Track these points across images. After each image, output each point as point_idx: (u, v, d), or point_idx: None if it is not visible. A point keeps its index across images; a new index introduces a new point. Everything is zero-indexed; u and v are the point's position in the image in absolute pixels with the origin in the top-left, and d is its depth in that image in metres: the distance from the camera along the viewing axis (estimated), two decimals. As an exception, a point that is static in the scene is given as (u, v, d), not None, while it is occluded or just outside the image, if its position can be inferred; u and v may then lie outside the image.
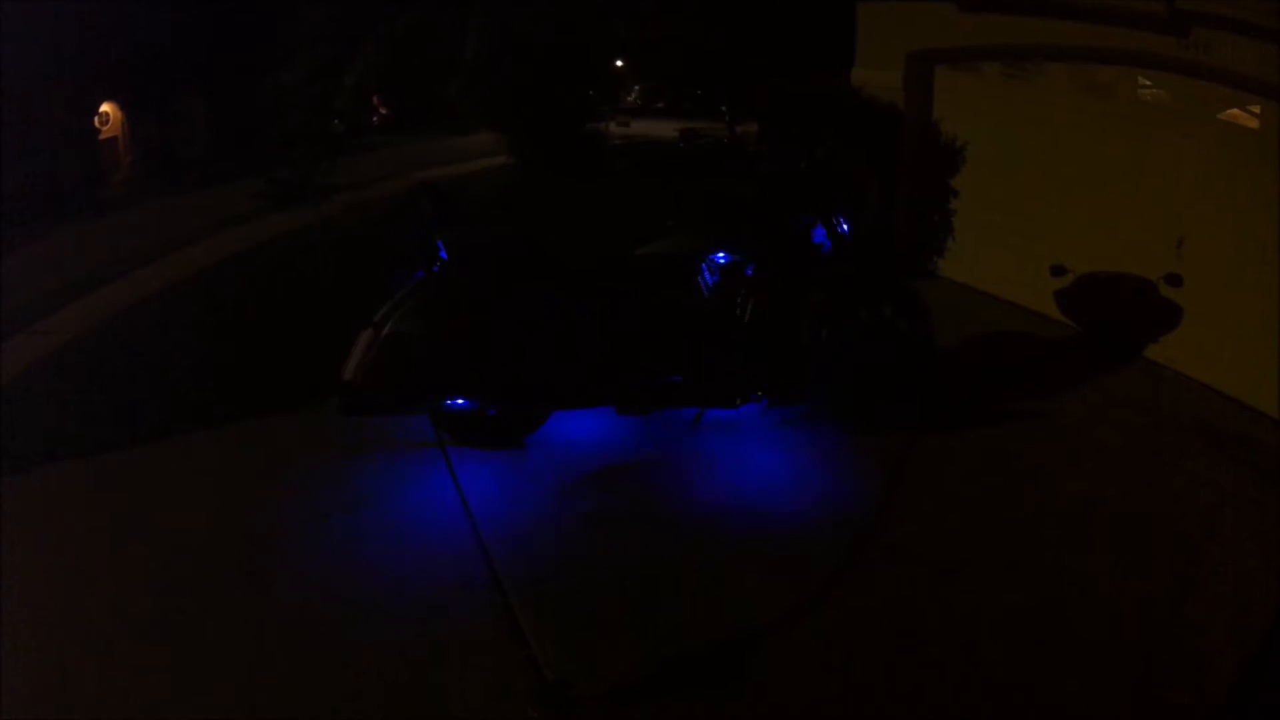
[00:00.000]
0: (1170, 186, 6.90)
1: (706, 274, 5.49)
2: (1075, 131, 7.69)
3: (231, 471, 5.31)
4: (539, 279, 5.32)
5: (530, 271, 5.36)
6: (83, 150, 17.49)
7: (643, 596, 4.16)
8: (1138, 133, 7.21)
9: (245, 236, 11.69)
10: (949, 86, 9.01)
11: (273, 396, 6.19)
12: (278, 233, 11.68)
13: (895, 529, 4.74)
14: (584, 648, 3.80)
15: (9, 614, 3.95)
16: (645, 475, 5.30)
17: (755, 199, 5.69)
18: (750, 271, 5.52)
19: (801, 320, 5.63)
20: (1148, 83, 7.42)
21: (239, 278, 9.68)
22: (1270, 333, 5.92)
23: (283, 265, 9.84)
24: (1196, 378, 6.69)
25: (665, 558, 4.47)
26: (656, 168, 13.61)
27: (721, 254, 5.49)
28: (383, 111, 25.76)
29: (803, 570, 4.34)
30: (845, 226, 5.72)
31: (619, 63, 23.54)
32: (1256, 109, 6.42)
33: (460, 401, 5.22)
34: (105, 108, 18.55)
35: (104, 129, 18.63)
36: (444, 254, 5.22)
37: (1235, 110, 6.67)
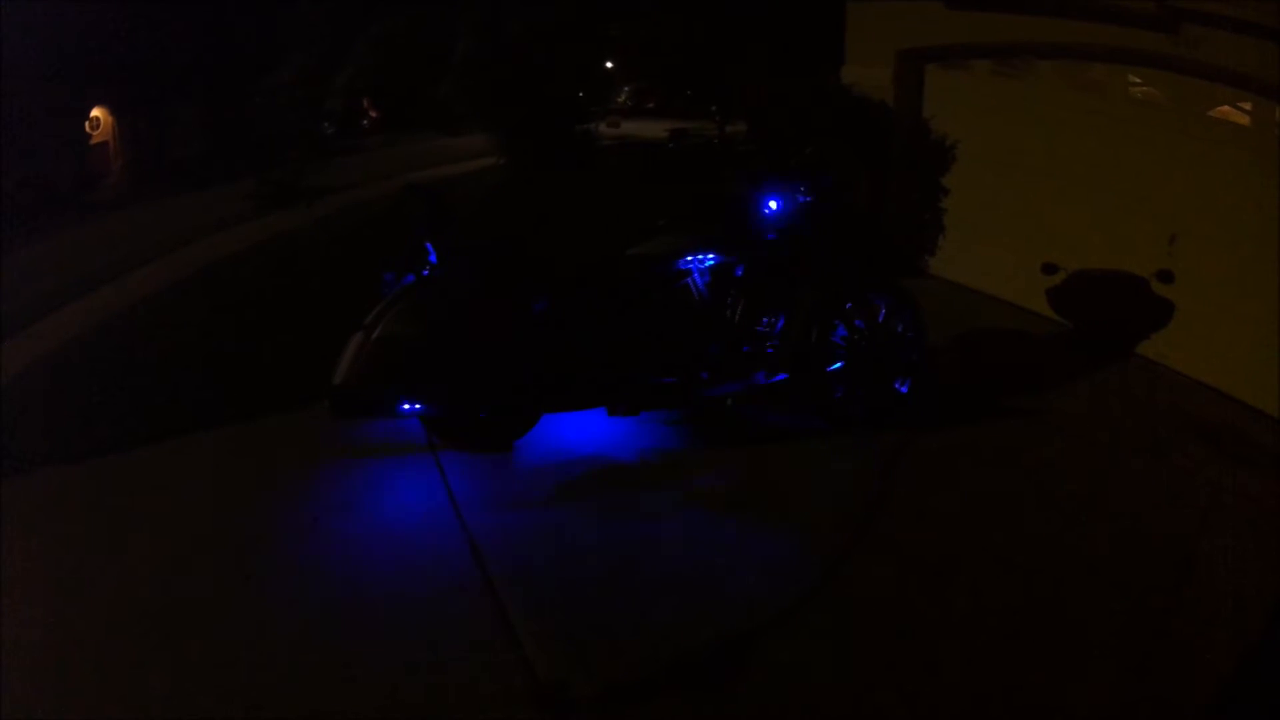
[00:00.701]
0: (1161, 183, 6.90)
1: (697, 275, 5.49)
2: (1066, 129, 7.69)
3: (226, 473, 5.31)
4: (529, 281, 5.31)
5: (520, 274, 5.36)
6: (74, 154, 17.45)
7: (637, 597, 4.14)
8: (1128, 130, 7.22)
9: (236, 239, 11.66)
10: (939, 84, 9.01)
11: (265, 399, 6.17)
12: (268, 235, 11.67)
13: (889, 528, 4.73)
14: (578, 649, 3.78)
15: (9, 614, 3.95)
16: (637, 476, 5.28)
17: (744, 199, 5.68)
18: (740, 272, 5.51)
19: (792, 320, 5.63)
20: (1138, 80, 7.43)
21: (230, 281, 9.66)
22: (1263, 328, 5.92)
23: (274, 268, 9.83)
24: (1189, 374, 6.69)
25: (659, 558, 4.46)
26: (647, 168, 13.61)
27: (711, 255, 5.49)
28: (373, 113, 25.72)
29: (798, 570, 4.34)
30: (835, 225, 5.71)
31: (609, 64, 23.53)
32: (1248, 106, 6.43)
33: (450, 404, 5.20)
34: (96, 112, 18.51)
35: (95, 134, 18.60)
36: (434, 257, 5.22)
37: (1226, 107, 6.68)
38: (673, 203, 6.00)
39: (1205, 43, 6.38)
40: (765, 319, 5.63)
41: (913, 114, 9.14)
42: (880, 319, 5.73)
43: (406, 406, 5.14)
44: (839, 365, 5.67)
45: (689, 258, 5.46)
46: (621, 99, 29.07)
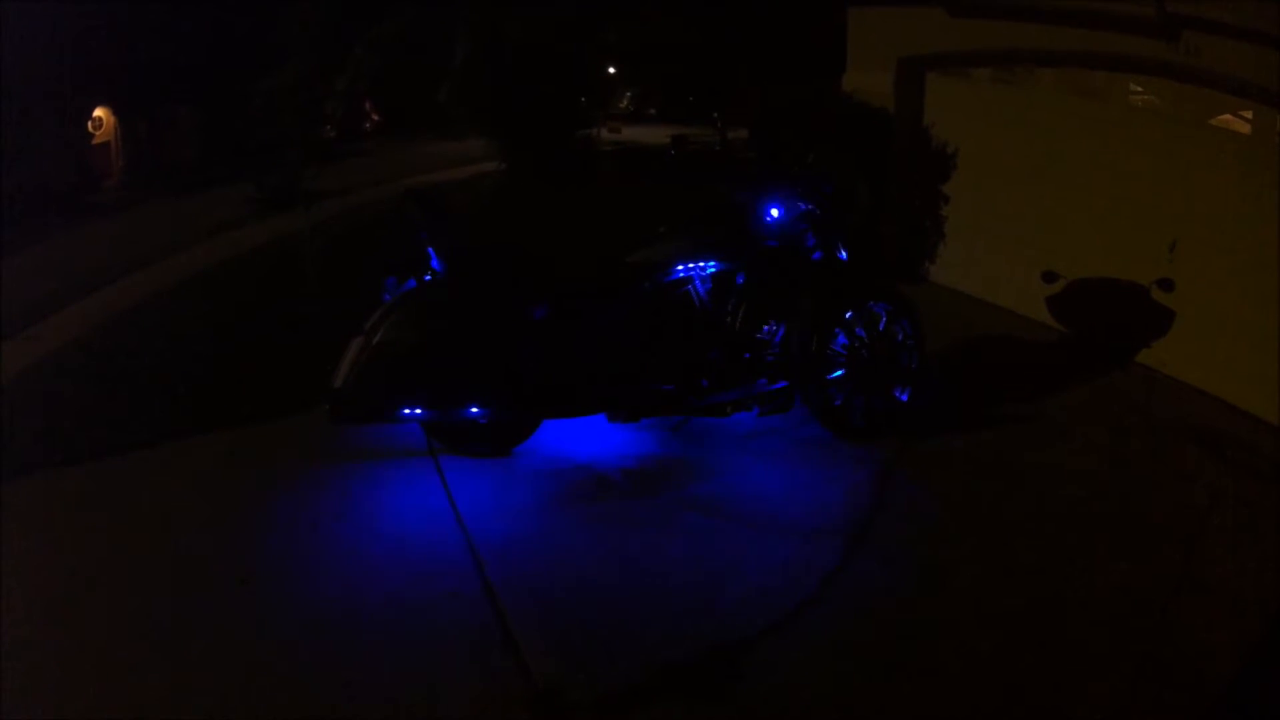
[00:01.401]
0: (1162, 191, 6.91)
1: (697, 281, 5.49)
2: (1066, 136, 7.70)
3: (224, 477, 5.31)
4: (530, 287, 5.31)
5: (521, 279, 5.36)
6: (74, 155, 17.43)
7: (635, 603, 4.15)
8: (1129, 137, 7.23)
9: (236, 242, 11.66)
10: (940, 92, 9.02)
11: (265, 403, 6.16)
12: (268, 239, 11.64)
13: (888, 533, 4.74)
14: (575, 655, 3.78)
15: (8, 614, 3.95)
16: (636, 483, 5.28)
17: (746, 206, 5.68)
18: (741, 279, 5.51)
19: (792, 327, 5.63)
20: (1139, 88, 7.44)
21: (230, 284, 9.65)
22: (1264, 337, 5.93)
23: (274, 271, 9.80)
24: (1189, 382, 6.69)
25: (657, 564, 4.47)
26: (648, 174, 13.60)
27: (712, 261, 5.49)
28: (374, 117, 25.71)
29: (796, 575, 4.34)
30: (836, 233, 5.72)
31: (611, 69, 23.53)
32: (1248, 114, 6.44)
33: (450, 410, 5.20)
34: (99, 112, 18.49)
35: (97, 134, 18.57)
36: (435, 262, 5.22)
37: (1227, 115, 6.69)
38: (674, 209, 6.00)
39: (1206, 50, 6.39)
40: (766, 326, 5.63)
41: (913, 121, 9.15)
42: (880, 327, 5.73)
43: (406, 411, 5.14)
44: (839, 373, 5.67)
45: (690, 264, 5.47)
46: (623, 104, 29.07)
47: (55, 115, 16.23)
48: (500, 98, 14.45)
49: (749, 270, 5.51)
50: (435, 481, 5.21)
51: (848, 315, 5.66)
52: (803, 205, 5.69)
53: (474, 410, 5.20)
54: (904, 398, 5.83)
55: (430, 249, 5.23)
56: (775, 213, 5.66)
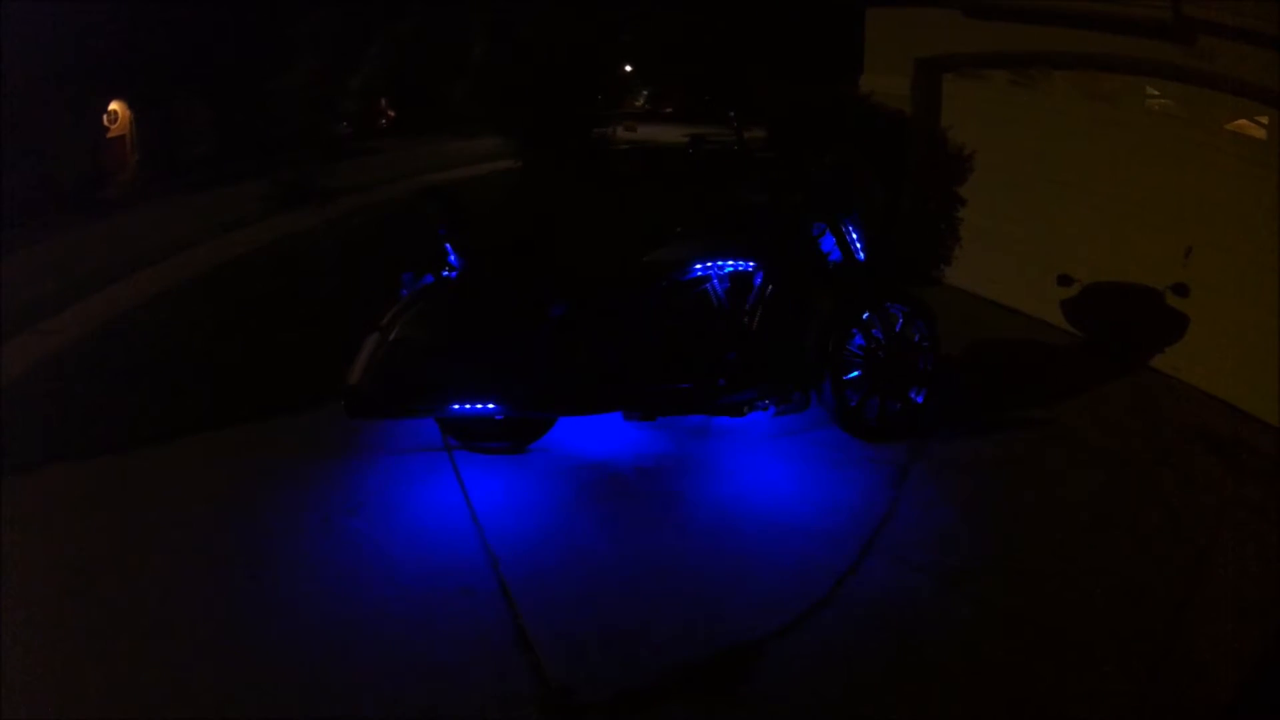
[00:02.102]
0: (1177, 196, 6.89)
1: (715, 281, 5.49)
2: (1082, 140, 7.68)
3: (234, 473, 5.30)
4: (547, 285, 5.32)
5: (538, 277, 5.37)
6: (88, 149, 17.46)
7: (648, 602, 4.16)
8: (1145, 141, 7.21)
9: (249, 239, 11.66)
10: (956, 94, 9.01)
11: (277, 399, 6.17)
12: (282, 235, 11.66)
13: (899, 535, 4.75)
14: (588, 654, 3.80)
15: (9, 614, 3.96)
16: (651, 482, 5.29)
17: (763, 206, 5.69)
18: (759, 279, 5.51)
19: (809, 327, 5.63)
20: (1155, 92, 7.42)
21: (243, 280, 9.65)
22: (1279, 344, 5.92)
23: (287, 268, 9.82)
24: (1203, 388, 6.68)
25: (671, 564, 4.48)
26: (664, 174, 13.60)
27: (730, 262, 5.49)
28: (389, 114, 25.76)
29: (807, 577, 4.35)
30: (853, 234, 5.72)
31: (627, 67, 23.55)
32: (1264, 119, 6.41)
33: (466, 406, 5.21)
34: (114, 106, 18.53)
35: (112, 128, 18.60)
36: (452, 259, 5.24)
37: (1243, 120, 6.66)
38: (691, 209, 6.00)
39: (1221, 54, 6.37)
40: (782, 326, 5.63)
41: (930, 123, 9.14)
42: (897, 328, 5.74)
43: (421, 407, 5.16)
44: (856, 374, 5.68)
45: (707, 264, 5.47)
46: (639, 103, 29.07)
47: (70, 109, 16.25)
48: (516, 96, 14.47)
49: (767, 270, 5.51)
50: (450, 478, 5.22)
51: (865, 316, 5.66)
52: (820, 206, 5.68)
53: (489, 407, 5.21)
54: (919, 399, 5.83)
55: (447, 245, 5.24)
56: (793, 213, 5.66)
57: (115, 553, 4.49)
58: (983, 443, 5.81)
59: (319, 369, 5.63)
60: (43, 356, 7.15)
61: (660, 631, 3.95)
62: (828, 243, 5.73)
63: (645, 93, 29.48)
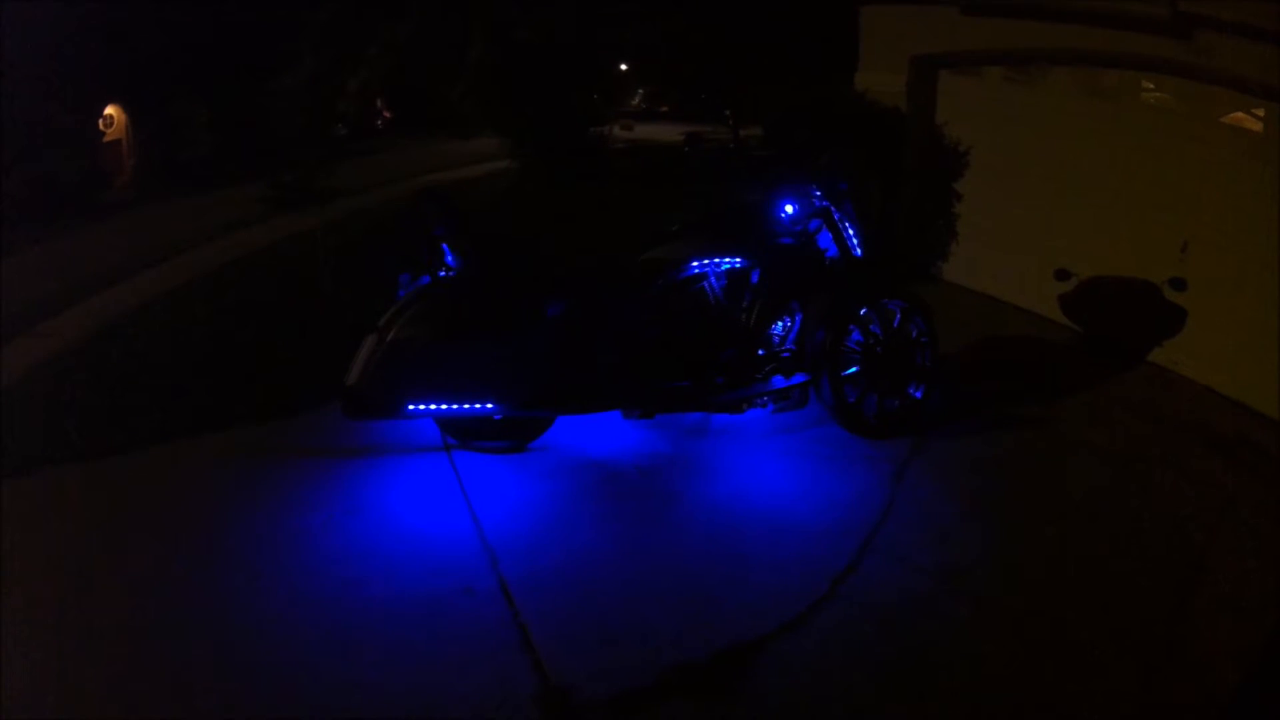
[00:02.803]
0: (1174, 190, 6.90)
1: (712, 278, 5.49)
2: (1079, 135, 7.69)
3: (234, 474, 5.30)
4: (544, 284, 5.32)
5: (535, 277, 5.37)
6: (85, 152, 17.43)
7: (648, 601, 4.15)
8: (1142, 136, 7.22)
9: (247, 241, 11.66)
10: (952, 90, 9.01)
11: (276, 400, 6.16)
12: (280, 237, 11.66)
13: (899, 534, 4.74)
14: (588, 653, 3.80)
15: (9, 614, 3.96)
16: (650, 481, 5.28)
17: (760, 204, 5.69)
18: (756, 276, 5.51)
19: (807, 324, 5.64)
20: (1151, 86, 7.42)
21: (241, 282, 9.64)
22: (1277, 336, 5.91)
23: (285, 270, 9.81)
24: (1201, 382, 6.69)
25: (670, 563, 4.47)
26: (660, 172, 13.62)
27: (727, 259, 5.49)
28: (386, 115, 25.77)
29: (807, 575, 4.34)
30: (849, 231, 5.72)
31: (623, 66, 23.55)
32: (1261, 112, 6.42)
33: (465, 406, 5.21)
34: (110, 110, 18.50)
35: (108, 131, 18.57)
36: (449, 259, 5.24)
37: (1239, 114, 6.67)
38: (688, 206, 6.00)
39: (1219, 49, 6.37)
40: (780, 323, 5.63)
41: (926, 120, 9.14)
42: (895, 324, 5.74)
43: (420, 407, 5.16)
44: (854, 370, 5.68)
45: (704, 261, 5.47)
46: (635, 102, 29.09)
47: (66, 112, 16.22)
48: (513, 96, 14.48)
49: (764, 267, 5.51)
50: (449, 477, 5.22)
51: (862, 312, 5.66)
52: (817, 203, 5.69)
53: (488, 406, 5.21)
54: (918, 395, 5.83)
55: (445, 245, 5.25)
56: (790, 210, 5.66)
57: (115, 553, 4.48)
58: (982, 439, 5.81)
59: (318, 369, 5.62)
60: (42, 358, 7.13)
61: (660, 630, 3.95)
62: (824, 239, 5.73)
63: (642, 91, 29.52)
